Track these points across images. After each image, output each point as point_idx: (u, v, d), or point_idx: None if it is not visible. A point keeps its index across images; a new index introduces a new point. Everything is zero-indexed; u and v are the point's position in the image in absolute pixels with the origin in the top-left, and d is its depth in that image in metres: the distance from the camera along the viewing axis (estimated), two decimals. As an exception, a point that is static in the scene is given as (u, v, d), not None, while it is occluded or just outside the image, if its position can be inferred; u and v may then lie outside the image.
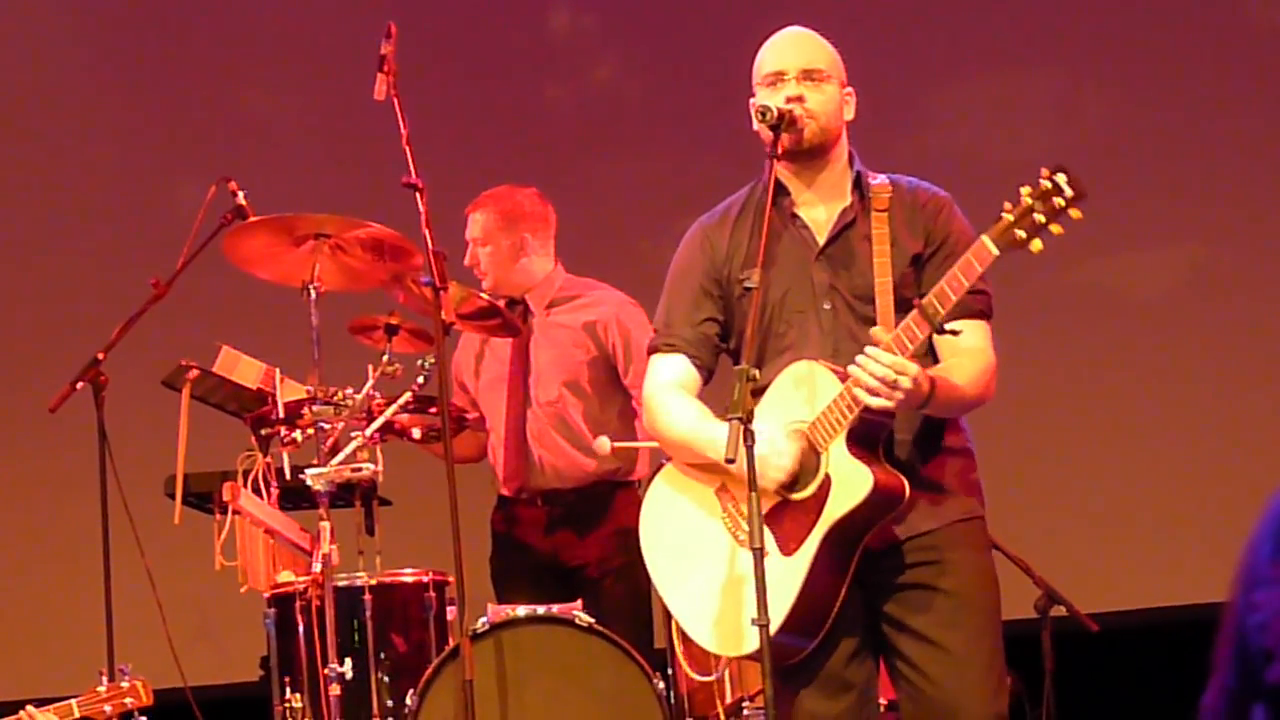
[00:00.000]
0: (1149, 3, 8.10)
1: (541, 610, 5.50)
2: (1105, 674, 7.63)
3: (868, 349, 4.01)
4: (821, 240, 4.30)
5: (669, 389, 4.35)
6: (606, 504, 6.25)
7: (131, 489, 6.15)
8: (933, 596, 4.19)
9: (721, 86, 7.81)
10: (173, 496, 6.13)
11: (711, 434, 4.19)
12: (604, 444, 6.05)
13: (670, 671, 5.64)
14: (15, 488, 8.09)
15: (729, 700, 5.58)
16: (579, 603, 5.62)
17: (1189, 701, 3.63)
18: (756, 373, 4.03)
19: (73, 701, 5.50)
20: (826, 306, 4.26)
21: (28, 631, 7.97)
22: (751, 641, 4.05)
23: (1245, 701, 2.13)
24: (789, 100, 4.23)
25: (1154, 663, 7.68)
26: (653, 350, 4.43)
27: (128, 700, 5.55)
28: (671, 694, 5.55)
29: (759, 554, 3.94)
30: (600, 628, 5.46)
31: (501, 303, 6.23)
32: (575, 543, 6.26)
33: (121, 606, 6.18)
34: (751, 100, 4.30)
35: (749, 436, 3.94)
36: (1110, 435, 7.89)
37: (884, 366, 3.96)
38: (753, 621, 3.95)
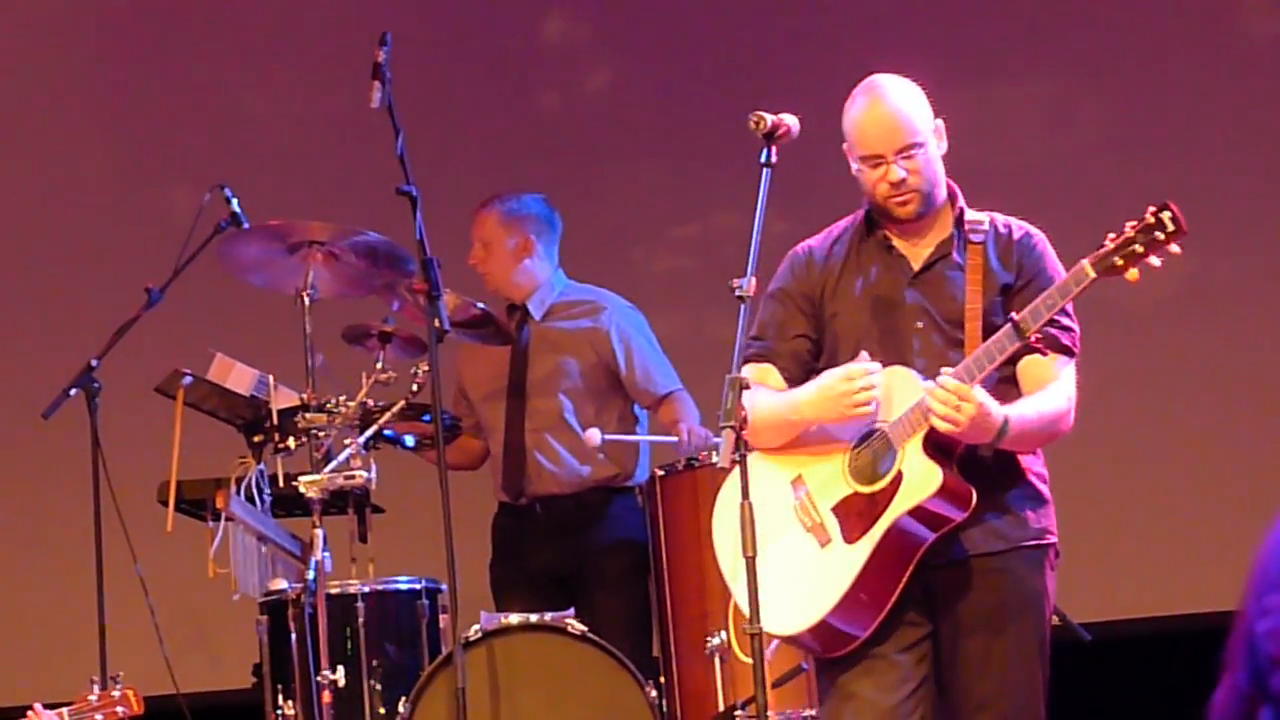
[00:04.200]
0: (1144, 13, 8.09)
1: (534, 618, 5.51)
2: (1099, 684, 7.63)
3: (941, 376, 4.12)
4: (916, 267, 4.39)
5: (760, 389, 4.38)
6: (605, 510, 6.26)
7: (124, 496, 6.14)
8: (987, 616, 4.30)
9: (716, 92, 7.83)
10: (165, 503, 6.12)
11: (794, 395, 4.31)
12: (594, 435, 6.08)
13: (663, 679, 5.64)
14: (8, 494, 8.08)
15: (721, 707, 5.57)
16: (571, 610, 5.63)
17: (1184, 712, 3.63)
18: (749, 380, 4.09)
19: (64, 710, 5.50)
20: (919, 325, 4.35)
21: (20, 638, 7.95)
22: (795, 623, 4.20)
23: (1254, 702, 2.15)
24: (892, 185, 4.30)
25: (1148, 673, 7.67)
26: (745, 360, 4.44)
27: (119, 709, 5.53)
28: (664, 702, 5.55)
29: (751, 562, 4.01)
30: (593, 635, 5.47)
31: (497, 310, 6.24)
32: (573, 550, 6.26)
33: (114, 613, 6.17)
34: (853, 167, 4.36)
35: (743, 445, 3.99)
36: (1105, 445, 7.88)
37: (947, 392, 4.08)
38: (744, 629, 4.00)
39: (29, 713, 5.45)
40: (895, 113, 4.35)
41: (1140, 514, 7.83)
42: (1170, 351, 7.93)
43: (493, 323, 5.93)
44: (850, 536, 4.22)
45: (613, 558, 6.18)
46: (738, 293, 4.14)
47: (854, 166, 4.37)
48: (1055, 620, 5.99)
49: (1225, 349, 7.88)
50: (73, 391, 6.16)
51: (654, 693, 5.44)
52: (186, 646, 7.29)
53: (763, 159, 4.27)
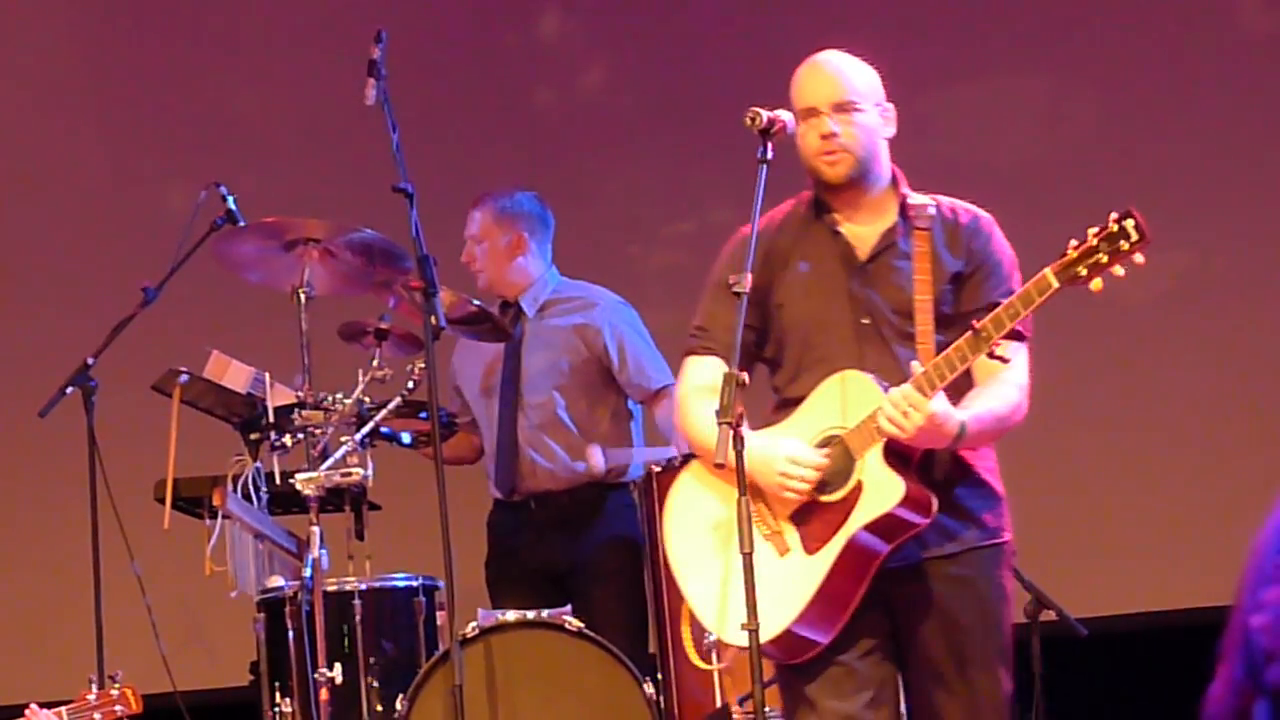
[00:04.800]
0: (1138, 9, 8.10)
1: (531, 615, 5.51)
2: (1095, 679, 7.64)
3: (896, 388, 4.09)
4: (863, 256, 4.35)
5: (705, 392, 4.34)
6: (599, 507, 6.26)
7: (121, 494, 6.15)
8: (948, 626, 4.26)
9: (711, 89, 7.83)
10: (162, 501, 6.12)
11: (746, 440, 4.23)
12: (597, 455, 6.08)
13: (660, 676, 5.64)
14: (5, 493, 8.08)
15: (718, 704, 5.58)
16: (568, 607, 5.63)
17: (1179, 707, 3.64)
18: (745, 377, 4.06)
19: (63, 709, 5.50)
20: (865, 321, 4.31)
21: (17, 636, 7.96)
22: (764, 633, 4.10)
23: (1249, 696, 2.15)
24: (823, 137, 4.28)
25: (1144, 668, 7.68)
26: (690, 352, 4.45)
27: (117, 708, 5.54)
28: (661, 698, 5.55)
29: (748, 559, 3.98)
30: (590, 632, 5.47)
31: (493, 307, 6.24)
32: (568, 546, 6.26)
33: (111, 611, 6.17)
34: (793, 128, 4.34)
35: (738, 441, 3.98)
36: (1099, 440, 7.90)
37: (901, 399, 4.05)
38: (741, 626, 3.99)
39: (26, 712, 5.46)
40: (837, 70, 4.35)
41: (1135, 509, 7.84)
42: (1164, 347, 7.94)
43: (489, 319, 5.94)
44: (810, 546, 4.18)
45: (608, 554, 6.18)
46: (735, 289, 4.13)
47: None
48: (1051, 615, 6.03)
49: (1220, 344, 7.89)
50: (69, 389, 6.16)
51: (651, 689, 5.44)
52: (184, 644, 7.29)
53: (759, 155, 4.26)
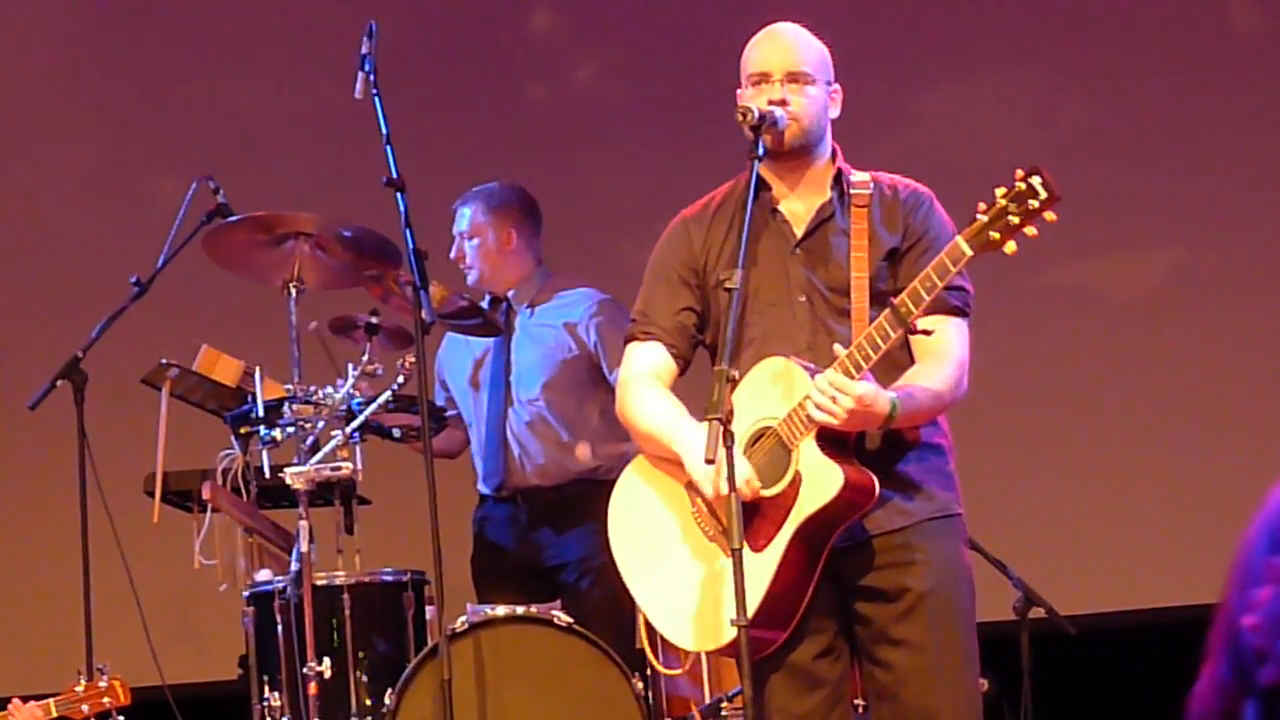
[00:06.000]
0: (1129, 6, 8.11)
1: (521, 610, 5.51)
2: (1083, 676, 7.65)
3: (822, 374, 4.03)
4: (799, 234, 4.31)
5: (645, 378, 4.36)
6: (587, 503, 6.24)
7: (111, 487, 6.14)
8: (904, 596, 4.18)
9: (702, 85, 7.83)
10: (152, 495, 6.12)
11: (680, 431, 4.22)
12: (585, 451, 6.07)
13: (649, 672, 5.64)
14: (-6, 486, 8.09)
15: (707, 699, 5.58)
16: (558, 603, 5.63)
17: (1167, 704, 3.64)
18: (736, 374, 4.02)
19: (50, 701, 5.50)
20: (801, 299, 4.27)
21: (6, 629, 7.95)
22: (720, 637, 4.09)
23: (1237, 696, 2.14)
24: (771, 103, 4.24)
25: (1132, 665, 7.69)
26: (630, 338, 4.44)
27: (105, 700, 5.54)
28: (650, 694, 5.55)
29: (738, 555, 3.93)
30: (579, 628, 5.47)
31: (483, 302, 6.24)
32: (555, 542, 6.26)
33: (100, 605, 6.17)
34: (738, 92, 4.31)
35: (728, 438, 3.94)
36: (1089, 438, 7.90)
37: (828, 385, 3.99)
38: (731, 622, 3.95)
39: (9, 706, 5.46)
40: (794, 40, 4.33)
41: (1124, 507, 7.85)
42: (1154, 344, 7.94)
43: (479, 314, 5.94)
44: (756, 544, 4.11)
45: (597, 550, 6.16)
46: (726, 285, 4.12)
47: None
48: (1040, 612, 6.04)
49: (1210, 342, 7.90)
50: (59, 382, 6.16)
51: (640, 685, 5.44)
52: (172, 638, 7.29)
53: (750, 151, 4.23)
